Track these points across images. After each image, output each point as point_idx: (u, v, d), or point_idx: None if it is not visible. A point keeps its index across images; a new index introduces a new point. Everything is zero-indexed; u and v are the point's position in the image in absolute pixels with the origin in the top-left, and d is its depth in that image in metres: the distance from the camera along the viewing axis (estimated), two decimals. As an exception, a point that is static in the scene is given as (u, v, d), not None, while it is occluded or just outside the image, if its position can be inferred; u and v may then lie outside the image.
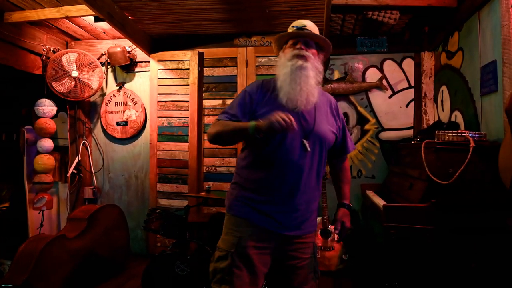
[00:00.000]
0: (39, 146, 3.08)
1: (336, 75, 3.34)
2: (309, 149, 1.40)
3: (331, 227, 3.02)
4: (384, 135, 3.30)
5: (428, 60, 3.27)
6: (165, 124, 3.33)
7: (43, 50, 3.09)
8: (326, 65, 3.35)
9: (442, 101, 3.03)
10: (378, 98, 3.30)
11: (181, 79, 3.27)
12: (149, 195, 3.35)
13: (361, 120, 3.33)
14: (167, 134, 3.34)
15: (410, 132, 3.26)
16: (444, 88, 2.98)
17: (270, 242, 1.40)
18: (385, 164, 3.26)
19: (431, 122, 3.23)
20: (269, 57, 3.19)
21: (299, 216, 1.43)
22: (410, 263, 2.43)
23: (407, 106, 3.28)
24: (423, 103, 3.28)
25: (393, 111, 3.29)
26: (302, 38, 1.49)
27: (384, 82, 3.28)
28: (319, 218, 3.07)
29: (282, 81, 1.44)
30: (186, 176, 3.23)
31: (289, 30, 1.54)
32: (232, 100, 1.58)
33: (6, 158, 3.33)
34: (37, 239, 2.65)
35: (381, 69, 3.30)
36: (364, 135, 3.33)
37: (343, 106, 3.34)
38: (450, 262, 1.95)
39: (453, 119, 2.76)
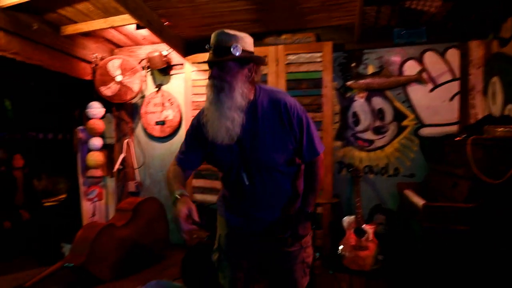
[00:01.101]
0: (90, 144, 3.53)
1: (370, 70, 3.29)
2: (246, 182, 1.40)
3: (366, 226, 3.02)
4: (424, 131, 3.19)
5: (477, 49, 3.08)
6: (199, 123, 3.58)
7: (92, 58, 3.51)
8: (358, 60, 3.32)
9: (493, 93, 2.84)
10: (417, 92, 3.19)
11: (214, 80, 3.49)
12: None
13: (398, 116, 3.24)
14: (201, 133, 3.59)
15: (454, 128, 3.11)
16: (496, 79, 2.79)
17: (246, 237, 1.53)
18: (424, 162, 3.16)
19: (480, 116, 3.03)
20: (300, 54, 3.25)
21: (265, 224, 1.49)
22: (450, 267, 2.35)
23: (451, 100, 3.13)
24: (471, 96, 3.10)
25: (434, 105, 3.15)
26: (216, 65, 1.35)
27: (424, 75, 3.16)
28: (352, 217, 3.09)
29: (208, 115, 1.37)
30: (218, 173, 3.45)
31: (210, 50, 1.40)
32: None
33: (62, 155, 3.87)
34: (91, 226, 3.06)
35: (420, 61, 3.18)
36: (402, 131, 3.25)
37: (378, 102, 3.29)
38: (496, 271, 1.86)
39: (506, 113, 2.58)
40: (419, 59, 3.19)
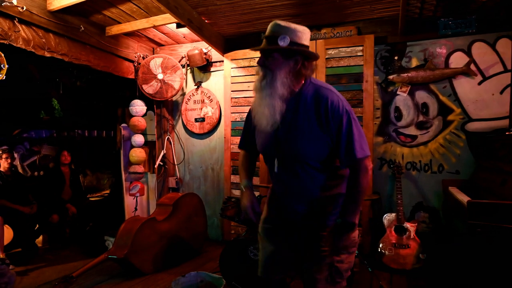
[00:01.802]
0: (133, 141, 3.69)
1: (414, 63, 3.22)
2: (276, 170, 1.48)
3: (407, 224, 2.98)
4: (472, 126, 3.09)
5: (530, 39, 2.94)
6: (238, 120, 3.64)
7: (135, 57, 3.66)
8: (401, 53, 3.26)
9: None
10: (464, 86, 3.09)
11: (253, 76, 3.53)
12: (223, 185, 3.73)
13: (443, 111, 3.16)
14: (240, 129, 3.64)
15: (505, 123, 2.99)
16: (554, 69, 2.67)
17: (281, 229, 1.58)
18: (471, 158, 3.06)
19: (533, 110, 2.91)
20: (340, 49, 3.24)
21: (297, 216, 1.51)
22: (496, 267, 2.27)
23: (501, 93, 3.01)
24: (523, 89, 2.97)
25: (483, 99, 3.05)
26: (264, 53, 1.41)
27: (472, 67, 3.06)
28: (393, 214, 3.05)
29: (255, 101, 1.46)
30: (258, 169, 3.51)
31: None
32: None
33: (106, 151, 4.07)
34: (133, 220, 3.20)
35: (468, 53, 3.08)
36: (447, 126, 3.16)
37: (422, 96, 3.22)
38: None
39: None
40: (467, 51, 3.09)
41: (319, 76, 3.28)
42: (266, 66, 1.39)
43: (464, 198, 2.37)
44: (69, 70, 3.88)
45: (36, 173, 4.38)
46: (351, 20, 3.29)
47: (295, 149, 1.41)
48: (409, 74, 3.20)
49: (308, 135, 1.39)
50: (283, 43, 1.35)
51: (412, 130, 3.26)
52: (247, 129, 1.65)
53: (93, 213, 4.00)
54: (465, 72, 3.07)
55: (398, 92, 3.28)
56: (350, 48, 3.22)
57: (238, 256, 2.72)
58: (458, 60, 3.10)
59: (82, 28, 3.17)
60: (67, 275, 2.64)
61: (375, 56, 3.23)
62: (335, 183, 1.49)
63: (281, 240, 1.58)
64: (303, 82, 1.44)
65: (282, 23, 1.40)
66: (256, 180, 3.53)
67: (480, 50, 3.05)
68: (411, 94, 3.25)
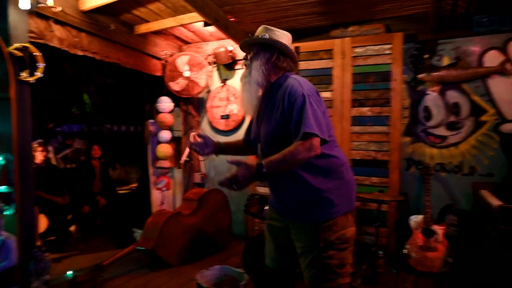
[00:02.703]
0: (160, 136, 3.85)
1: (445, 61, 3.17)
2: (258, 151, 1.67)
3: (435, 227, 2.96)
4: (506, 127, 3.03)
5: None
6: (262, 117, 3.72)
7: (162, 54, 3.79)
8: (432, 51, 3.21)
9: None
10: (499, 85, 3.03)
11: (278, 74, 3.59)
12: None
13: (476, 111, 3.11)
14: (264, 127, 3.73)
15: (542, 124, 2.91)
16: None
17: (277, 221, 1.69)
18: (505, 160, 3.01)
19: None
20: (367, 47, 3.23)
21: (283, 206, 1.64)
22: None
23: (539, 93, 2.93)
24: (562, 89, 2.87)
25: (519, 99, 2.97)
26: (244, 49, 1.69)
27: (508, 66, 2.99)
28: (420, 216, 3.04)
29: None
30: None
31: None
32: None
33: (134, 146, 4.25)
34: (160, 213, 3.36)
35: (504, 51, 3.01)
36: (479, 127, 3.11)
37: (453, 96, 3.17)
38: None
39: None
40: (502, 49, 3.02)
41: (346, 74, 3.29)
42: (248, 59, 1.65)
43: (495, 202, 2.34)
44: (100, 68, 4.06)
45: (68, 166, 4.64)
46: (379, 17, 3.28)
47: (266, 135, 1.59)
48: (440, 73, 3.16)
49: (274, 121, 1.54)
50: (260, 38, 1.61)
51: (442, 131, 3.23)
52: (249, 123, 1.87)
53: (121, 205, 4.20)
54: (500, 71, 3.01)
55: (427, 92, 3.25)
56: (378, 46, 3.21)
57: (261, 252, 2.81)
58: (492, 58, 3.04)
59: (113, 27, 3.32)
60: (99, 263, 2.84)
61: (404, 54, 3.19)
62: (307, 175, 1.52)
63: (276, 237, 1.71)
64: (280, 75, 1.62)
65: (267, 26, 1.65)
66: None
67: (517, 48, 2.96)
68: (442, 93, 3.21)
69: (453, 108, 3.19)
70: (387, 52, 3.18)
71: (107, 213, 4.08)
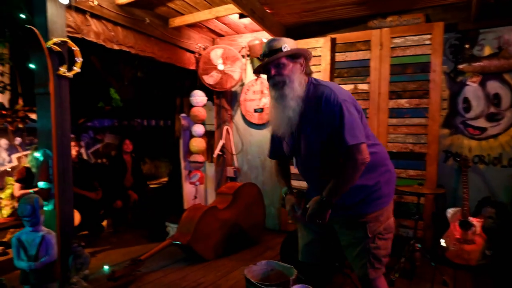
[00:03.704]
0: (193, 130, 3.90)
1: (487, 51, 3.17)
2: (294, 165, 1.74)
3: (472, 219, 2.98)
4: (548, 118, 3.02)
5: None
6: (297, 110, 3.74)
7: (196, 48, 3.82)
8: (473, 41, 3.20)
9: None
10: (542, 75, 3.02)
11: (314, 66, 3.61)
12: None
13: (518, 102, 3.10)
14: (298, 120, 3.76)
15: None
16: None
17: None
18: (548, 152, 3.00)
19: None
20: (406, 37, 3.24)
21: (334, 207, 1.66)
22: None
23: None
24: None
25: None
26: (271, 64, 1.56)
27: (551, 55, 2.97)
28: (457, 209, 3.06)
29: (271, 112, 1.65)
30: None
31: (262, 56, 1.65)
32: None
33: (164, 140, 4.29)
34: (195, 208, 3.40)
35: (549, 40, 2.99)
36: (521, 118, 3.10)
37: (494, 86, 3.17)
38: None
39: None
40: (546, 38, 2.98)
41: (383, 65, 3.31)
42: (281, 74, 1.55)
43: None
44: (130, 61, 4.09)
45: (99, 161, 4.70)
46: (420, 7, 3.28)
47: (307, 148, 1.60)
48: (481, 63, 3.16)
49: (315, 134, 1.57)
50: (286, 49, 1.55)
51: (481, 122, 3.23)
52: (273, 138, 1.82)
53: (153, 199, 4.26)
54: (543, 60, 2.98)
55: (468, 82, 3.25)
56: (417, 37, 3.21)
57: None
58: (536, 48, 3.01)
59: (148, 21, 3.36)
60: (136, 258, 2.91)
61: (444, 44, 3.18)
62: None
63: (316, 231, 1.77)
64: (307, 82, 1.62)
65: (275, 38, 1.62)
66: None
67: (562, 37, 2.94)
68: (482, 84, 3.22)
69: (494, 99, 3.19)
70: (427, 42, 3.18)
71: (138, 207, 4.15)
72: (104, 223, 4.03)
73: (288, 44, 1.55)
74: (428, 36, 3.18)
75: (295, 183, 3.69)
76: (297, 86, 1.54)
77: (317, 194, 1.61)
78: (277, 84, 1.55)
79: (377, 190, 1.62)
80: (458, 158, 3.22)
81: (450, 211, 3.09)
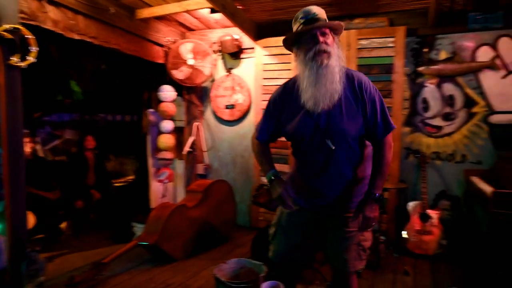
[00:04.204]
0: (162, 126, 3.83)
1: (443, 55, 3.45)
2: (332, 147, 1.54)
3: (430, 212, 3.23)
4: (495, 118, 3.35)
5: (555, 35, 3.19)
6: (268, 107, 3.80)
7: (165, 41, 3.75)
8: (431, 45, 3.47)
9: None
10: (490, 79, 3.35)
11: (284, 64, 3.72)
12: (253, 173, 3.95)
13: (468, 103, 3.42)
14: (270, 117, 3.82)
15: (526, 115, 3.26)
16: None
17: (305, 218, 1.70)
18: (493, 149, 3.34)
19: (552, 104, 3.18)
20: (372, 39, 3.43)
21: (329, 200, 1.64)
22: None
23: (524, 87, 3.27)
24: (544, 84, 3.23)
25: (507, 92, 3.31)
26: (318, 30, 1.47)
27: (498, 61, 3.31)
28: (417, 202, 3.30)
29: (307, 83, 1.48)
30: (287, 156, 3.72)
31: (298, 23, 1.54)
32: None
33: (130, 137, 4.15)
34: (163, 206, 3.35)
35: (494, 47, 3.33)
36: (471, 118, 3.42)
37: (449, 88, 3.46)
38: None
39: None
40: (493, 45, 3.33)
41: (351, 66, 3.49)
42: (326, 43, 1.47)
43: (486, 187, 2.58)
44: (93, 53, 3.90)
45: (58, 158, 4.42)
46: (384, 11, 3.49)
47: (340, 125, 1.52)
48: (438, 67, 3.43)
49: (346, 112, 1.53)
50: (327, 20, 1.51)
51: (438, 121, 3.52)
52: (270, 119, 1.68)
53: (118, 198, 4.11)
54: (491, 66, 3.33)
55: (426, 84, 3.52)
56: (382, 39, 3.41)
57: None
58: (484, 54, 3.35)
59: (113, 11, 3.23)
60: (98, 261, 2.82)
61: (405, 47, 3.42)
62: (362, 167, 1.65)
63: (305, 228, 1.71)
64: None
65: (311, 6, 1.55)
66: (285, 167, 3.70)
67: (506, 45, 3.30)
68: (439, 86, 3.49)
69: (449, 100, 3.48)
70: (390, 45, 3.40)
71: (102, 207, 3.98)
72: (63, 225, 3.81)
73: (325, 16, 1.52)
74: (392, 39, 3.40)
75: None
76: (340, 62, 1.49)
77: (330, 185, 1.59)
78: (324, 53, 1.45)
79: (367, 183, 1.65)
80: (418, 155, 3.47)
81: (411, 205, 3.33)
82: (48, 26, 2.77)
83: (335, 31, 1.55)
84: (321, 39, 1.47)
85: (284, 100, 1.62)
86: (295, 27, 1.56)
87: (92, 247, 3.53)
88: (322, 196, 1.64)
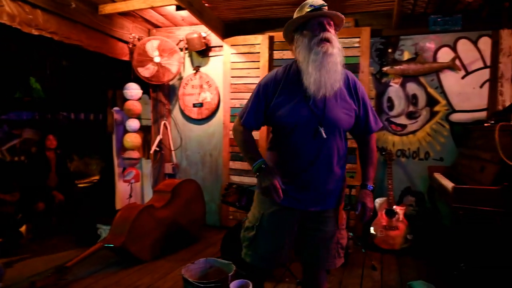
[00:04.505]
0: (128, 125, 3.75)
1: (406, 56, 3.58)
2: (324, 135, 1.55)
3: (396, 208, 3.35)
4: (455, 117, 3.52)
5: (507, 38, 3.38)
6: (237, 106, 3.85)
7: (130, 38, 3.68)
8: (395, 46, 3.60)
9: (520, 82, 3.17)
10: (450, 79, 3.51)
11: (252, 63, 3.75)
12: (222, 171, 3.95)
13: (431, 102, 3.57)
14: (239, 115, 3.83)
15: (483, 114, 3.44)
16: (523, 68, 3.11)
17: (291, 217, 1.67)
18: (454, 146, 3.50)
19: (507, 103, 3.38)
20: (338, 39, 3.48)
21: (317, 195, 1.63)
22: (477, 245, 2.65)
23: (481, 87, 3.46)
24: (499, 84, 3.42)
25: (465, 92, 3.48)
26: (326, 19, 1.53)
27: (457, 62, 3.48)
28: (384, 199, 3.42)
29: (313, 67, 1.49)
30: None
31: (306, 10, 1.55)
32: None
33: (94, 136, 4.04)
34: (130, 207, 3.29)
35: (454, 49, 3.49)
36: (433, 117, 3.57)
37: (412, 88, 3.60)
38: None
39: (531, 101, 2.92)
40: (453, 46, 3.50)
41: (318, 65, 3.52)
42: (331, 32, 1.53)
43: (448, 183, 2.71)
44: (55, 49, 3.78)
45: (16, 158, 4.25)
46: (350, 12, 3.58)
47: (335, 116, 1.56)
48: (401, 67, 3.57)
49: (341, 105, 1.58)
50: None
51: (402, 120, 3.65)
52: (259, 104, 1.64)
53: (82, 200, 4.00)
54: (451, 66, 3.49)
55: (391, 84, 3.64)
56: (348, 39, 3.50)
57: (239, 241, 2.91)
58: (445, 55, 3.51)
59: (73, 5, 3.16)
60: (60, 265, 2.73)
61: (370, 48, 3.52)
62: (341, 162, 1.67)
63: (289, 227, 1.68)
64: None
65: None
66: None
67: (464, 46, 3.47)
68: (403, 85, 3.63)
69: (412, 99, 3.62)
70: (356, 45, 3.50)
71: (65, 209, 3.87)
72: (23, 228, 3.66)
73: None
74: (357, 40, 3.49)
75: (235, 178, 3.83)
76: (340, 54, 1.53)
77: (303, 171, 1.58)
78: (329, 42, 1.50)
79: (345, 180, 1.72)
80: (384, 152, 3.59)
81: (377, 201, 3.44)
82: (4, 20, 2.67)
83: (337, 26, 1.62)
84: (327, 27, 1.53)
85: (277, 85, 1.61)
86: (299, 14, 1.58)
87: (54, 251, 3.42)
88: (307, 190, 1.62)
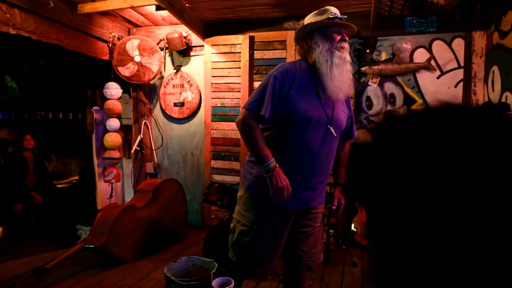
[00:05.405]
0: (108, 125, 3.83)
1: (384, 56, 3.78)
2: (335, 134, 1.70)
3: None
4: (431, 116, 3.73)
5: (480, 40, 3.62)
6: (218, 105, 3.98)
7: (110, 37, 3.77)
8: (372, 46, 3.80)
9: (492, 81, 3.39)
10: (426, 79, 3.72)
11: (233, 62, 3.89)
12: (204, 170, 4.08)
13: (408, 101, 3.77)
14: (220, 114, 4.01)
15: (457, 113, 3.66)
16: (495, 68, 3.33)
17: (289, 217, 1.75)
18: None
19: (480, 102, 3.61)
20: (318, 40, 3.67)
21: (314, 193, 1.75)
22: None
23: (455, 86, 3.68)
24: (473, 84, 3.66)
25: (441, 91, 3.69)
26: (345, 30, 1.73)
27: (432, 62, 3.69)
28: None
29: (336, 71, 1.64)
30: (238, 154, 3.88)
31: (328, 16, 1.68)
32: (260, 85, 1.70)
33: (73, 135, 4.09)
34: (111, 207, 3.38)
35: (429, 50, 3.70)
36: (411, 115, 3.78)
37: (390, 87, 3.80)
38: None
39: (503, 100, 3.15)
40: (428, 47, 3.72)
41: (298, 65, 3.69)
42: (347, 50, 1.72)
43: None
44: (33, 48, 3.83)
45: (-8, 159, 4.26)
46: (330, 13, 3.73)
47: (340, 120, 1.76)
48: (379, 67, 3.76)
49: (344, 112, 1.81)
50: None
51: (381, 118, 3.84)
52: (274, 95, 1.64)
53: (61, 201, 4.05)
54: (426, 66, 3.70)
55: (369, 83, 3.84)
56: (327, 40, 3.66)
57: (222, 241, 3.02)
58: (421, 55, 3.72)
59: (52, 4, 3.23)
60: (40, 266, 2.79)
61: (349, 48, 3.70)
62: (332, 162, 1.83)
63: (285, 226, 1.75)
64: None
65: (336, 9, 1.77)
66: (236, 165, 3.87)
67: (439, 47, 3.68)
68: (381, 85, 3.82)
69: (390, 98, 3.83)
70: (335, 45, 3.65)
71: (43, 210, 3.91)
72: (0, 230, 3.71)
73: None
74: (336, 40, 3.66)
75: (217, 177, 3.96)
76: (349, 58, 1.72)
77: (307, 165, 1.67)
78: (346, 51, 1.70)
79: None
80: (363, 151, 3.78)
81: (356, 199, 3.63)
82: (-21, 18, 2.73)
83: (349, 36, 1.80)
84: (346, 37, 1.73)
85: (292, 78, 1.67)
86: (320, 18, 1.71)
87: (34, 252, 3.47)
88: (309, 189, 1.70)
